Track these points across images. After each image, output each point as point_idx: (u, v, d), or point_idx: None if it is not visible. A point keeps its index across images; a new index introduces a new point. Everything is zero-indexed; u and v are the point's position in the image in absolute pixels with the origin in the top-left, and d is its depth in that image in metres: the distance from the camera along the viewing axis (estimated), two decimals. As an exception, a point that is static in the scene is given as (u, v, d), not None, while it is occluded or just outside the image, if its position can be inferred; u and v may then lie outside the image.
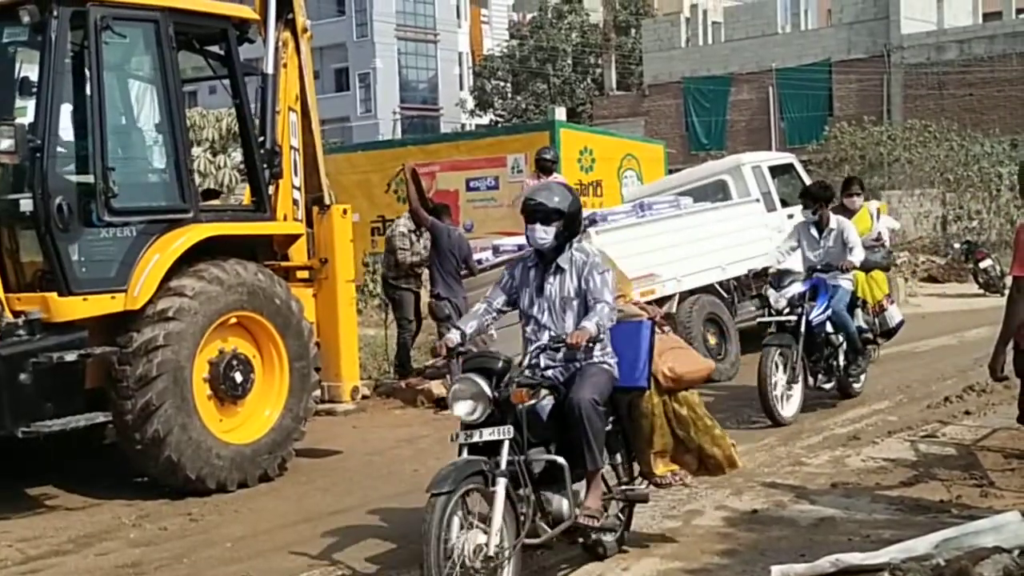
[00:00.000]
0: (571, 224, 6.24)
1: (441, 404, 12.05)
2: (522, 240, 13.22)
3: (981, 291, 21.99)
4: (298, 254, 9.88)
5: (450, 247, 12.18)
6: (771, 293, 10.64)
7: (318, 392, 9.60)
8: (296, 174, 10.03)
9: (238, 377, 8.76)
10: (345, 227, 10.02)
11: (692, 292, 13.11)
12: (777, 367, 10.22)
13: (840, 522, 7.16)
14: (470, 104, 59.49)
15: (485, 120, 57.32)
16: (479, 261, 13.17)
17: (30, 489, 8.75)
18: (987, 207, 28.85)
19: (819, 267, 10.69)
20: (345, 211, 10.12)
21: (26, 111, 8.32)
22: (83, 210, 8.16)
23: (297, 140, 10.11)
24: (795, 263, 11.29)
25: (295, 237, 9.79)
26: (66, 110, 8.33)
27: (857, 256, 10.60)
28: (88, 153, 8.24)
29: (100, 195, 8.16)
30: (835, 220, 10.87)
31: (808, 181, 15.65)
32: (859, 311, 11.36)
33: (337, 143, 32.36)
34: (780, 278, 10.89)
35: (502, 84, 57.50)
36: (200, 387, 8.55)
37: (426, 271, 12.85)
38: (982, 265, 22.31)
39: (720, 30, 48.79)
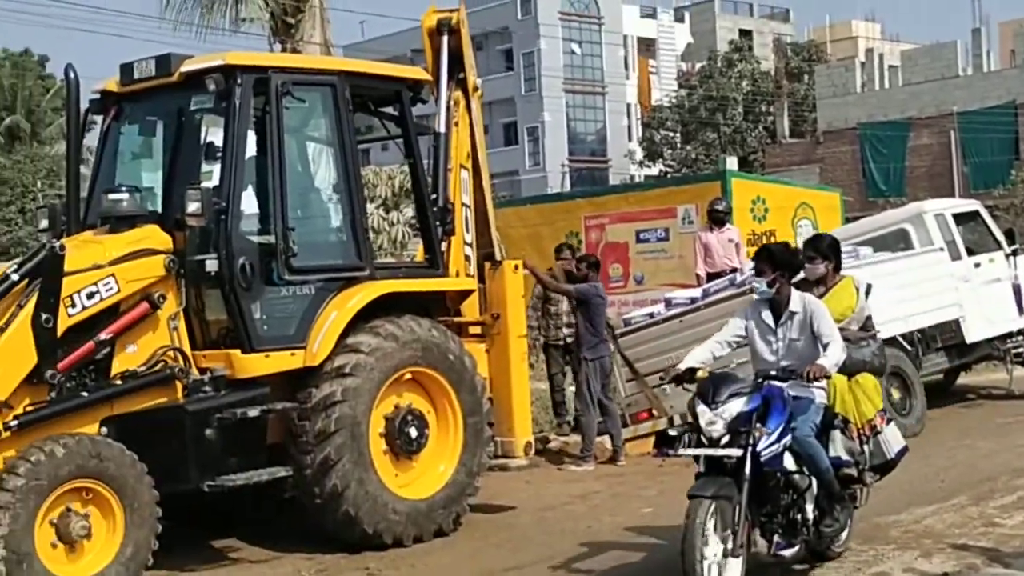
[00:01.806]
0: None
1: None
2: (696, 292, 13.26)
3: None
4: (470, 309, 10.01)
5: (598, 307, 12.24)
6: (701, 411, 6.96)
7: (491, 447, 9.70)
8: (468, 230, 10.21)
9: (413, 432, 8.92)
10: (517, 282, 10.12)
11: (873, 345, 12.82)
12: (710, 530, 6.68)
13: (1037, 587, 6.89)
14: (639, 155, 59.56)
15: (654, 171, 57.26)
16: (651, 314, 13.19)
17: (216, 541, 9.05)
18: None
19: (774, 372, 7.20)
20: (516, 267, 10.22)
21: (211, 175, 8.67)
22: (265, 269, 8.45)
23: (468, 196, 10.29)
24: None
25: (468, 293, 9.94)
26: (249, 173, 8.65)
27: (832, 356, 7.11)
28: (269, 214, 8.54)
29: (281, 255, 8.43)
30: (799, 300, 7.42)
31: (995, 228, 15.24)
32: (837, 435, 7.56)
33: (506, 197, 32.80)
34: (716, 386, 7.04)
35: (671, 134, 57.42)
36: (376, 442, 8.74)
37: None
38: None
39: (897, 74, 47.80)
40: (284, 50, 16.98)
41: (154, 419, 8.03)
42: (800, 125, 52.66)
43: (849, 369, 7.62)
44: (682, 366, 7.39)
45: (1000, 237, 15.03)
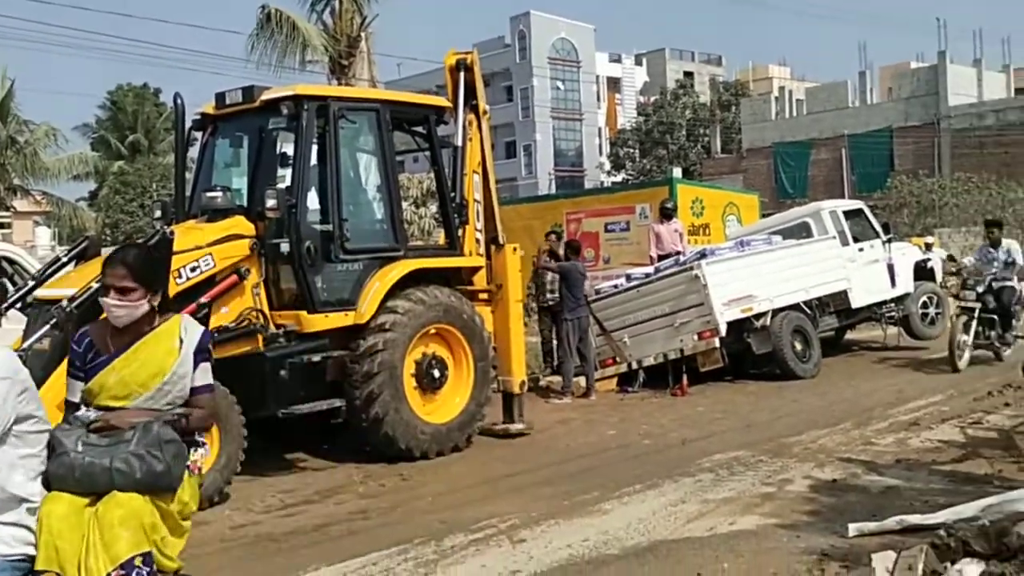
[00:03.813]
0: None
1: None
2: (649, 269, 13.23)
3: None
4: (480, 281, 9.97)
5: (576, 280, 12.22)
6: None
7: (495, 384, 9.69)
8: (478, 220, 10.16)
9: (436, 373, 8.90)
10: (515, 261, 10.08)
11: (782, 309, 12.92)
12: None
13: (903, 490, 6.89)
14: (607, 166, 59.30)
15: (619, 178, 56.99)
16: (615, 286, 13.19)
17: (287, 455, 9.06)
18: (1020, 241, 27.44)
19: None
20: (515, 249, 10.19)
21: (284, 178, 8.62)
22: (325, 250, 8.41)
23: (479, 195, 10.22)
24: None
25: (478, 268, 9.90)
26: (312, 177, 8.58)
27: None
28: (328, 208, 8.49)
29: (337, 239, 8.40)
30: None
31: (875, 222, 15.22)
32: None
33: (507, 197, 32.54)
34: None
35: (632, 151, 57.19)
36: (408, 380, 8.71)
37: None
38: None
39: (803, 106, 47.67)
40: (340, 84, 16.90)
41: (242, 362, 7.98)
42: (729, 144, 52.42)
43: (86, 487, 3.46)
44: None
45: (879, 229, 15.07)
